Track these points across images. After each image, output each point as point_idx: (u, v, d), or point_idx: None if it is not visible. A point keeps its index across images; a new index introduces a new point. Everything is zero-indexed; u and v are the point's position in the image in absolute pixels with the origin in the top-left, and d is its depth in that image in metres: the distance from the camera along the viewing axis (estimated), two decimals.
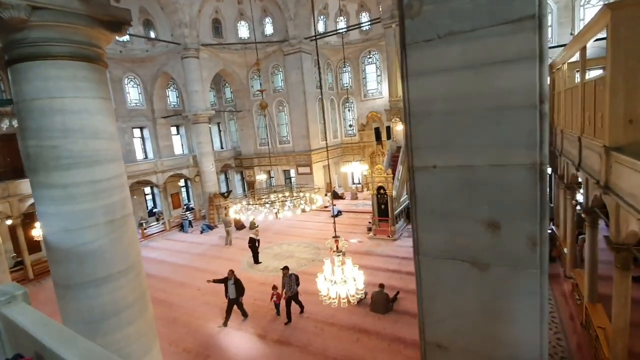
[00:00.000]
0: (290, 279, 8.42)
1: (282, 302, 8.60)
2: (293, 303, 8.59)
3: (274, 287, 8.80)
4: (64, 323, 3.83)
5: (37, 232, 11.06)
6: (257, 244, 12.69)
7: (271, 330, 8.27)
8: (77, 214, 3.61)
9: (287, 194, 11.42)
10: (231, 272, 8.74)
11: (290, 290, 8.36)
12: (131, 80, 19.77)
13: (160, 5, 17.88)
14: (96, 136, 3.75)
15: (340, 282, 4.87)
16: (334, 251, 4.99)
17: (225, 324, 8.49)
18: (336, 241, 4.97)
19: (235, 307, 8.66)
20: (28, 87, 3.45)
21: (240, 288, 8.64)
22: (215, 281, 8.86)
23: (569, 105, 8.00)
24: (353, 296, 4.86)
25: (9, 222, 13.00)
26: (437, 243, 1.56)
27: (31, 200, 13.04)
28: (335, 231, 5.46)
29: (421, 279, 1.64)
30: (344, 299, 4.83)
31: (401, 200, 15.64)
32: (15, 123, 14.34)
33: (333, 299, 4.88)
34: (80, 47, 3.62)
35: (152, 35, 19.32)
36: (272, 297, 8.77)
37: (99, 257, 3.71)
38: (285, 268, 8.80)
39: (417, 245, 1.62)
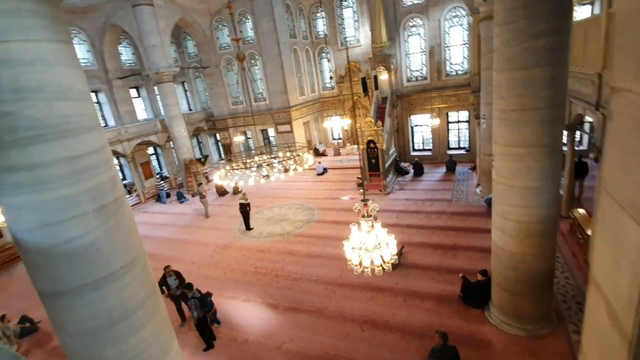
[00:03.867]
0: (190, 303, 6.61)
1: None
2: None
3: (167, 268, 7.46)
4: (59, 337, 3.11)
5: None
6: (248, 209, 12.01)
7: (280, 297, 7.94)
8: (55, 202, 2.72)
9: (273, 155, 10.56)
10: (168, 267, 7.44)
11: (196, 314, 6.60)
12: (75, 36, 16.99)
13: None
14: (63, 96, 2.74)
15: (371, 249, 4.41)
16: (362, 216, 4.44)
17: (183, 323, 7.48)
18: (365, 205, 4.41)
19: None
20: None
21: (183, 281, 7.46)
22: (164, 290, 7.29)
23: None
24: (387, 263, 4.43)
25: None
26: None
27: None
28: (362, 191, 4.85)
29: None
30: (378, 266, 4.40)
31: (390, 152, 15.27)
32: None
33: (366, 267, 4.44)
34: None
35: None
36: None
37: (94, 254, 2.91)
38: (187, 287, 7.00)
39: None
